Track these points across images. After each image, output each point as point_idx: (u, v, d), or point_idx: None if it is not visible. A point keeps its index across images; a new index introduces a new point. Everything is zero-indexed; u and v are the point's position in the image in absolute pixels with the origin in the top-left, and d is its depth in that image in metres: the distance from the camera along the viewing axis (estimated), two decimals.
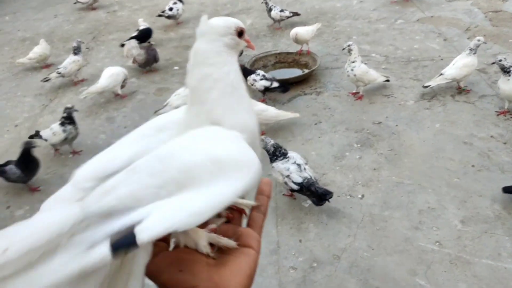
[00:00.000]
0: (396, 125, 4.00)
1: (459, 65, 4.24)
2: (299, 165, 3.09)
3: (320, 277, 2.64)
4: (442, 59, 5.07)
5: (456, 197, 3.12)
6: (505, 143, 3.62)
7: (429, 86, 4.34)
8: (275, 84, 4.38)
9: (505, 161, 3.42)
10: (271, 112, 3.91)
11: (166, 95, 4.86)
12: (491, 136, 3.71)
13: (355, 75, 4.30)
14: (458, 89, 4.39)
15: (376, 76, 4.44)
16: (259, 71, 4.49)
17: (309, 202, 3.20)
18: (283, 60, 5.37)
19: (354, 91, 4.56)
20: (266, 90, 4.42)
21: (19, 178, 3.47)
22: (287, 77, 4.94)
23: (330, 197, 2.98)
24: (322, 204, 3.00)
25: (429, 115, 4.11)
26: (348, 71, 4.34)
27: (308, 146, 3.85)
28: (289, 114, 4.02)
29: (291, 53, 5.37)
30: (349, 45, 4.30)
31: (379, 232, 2.90)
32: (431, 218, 2.97)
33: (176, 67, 5.54)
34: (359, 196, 3.24)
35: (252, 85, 4.39)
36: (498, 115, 3.87)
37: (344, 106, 4.37)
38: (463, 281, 2.51)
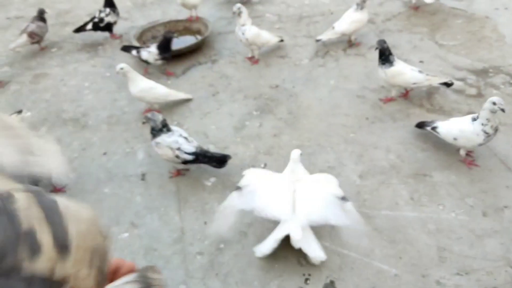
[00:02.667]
0: (293, 87, 3.95)
1: (348, 21, 4.25)
2: (185, 137, 2.95)
3: (228, 257, 2.54)
4: (332, 13, 5.08)
5: (353, 153, 3.17)
6: None
7: (321, 39, 4.33)
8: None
9: (396, 109, 3.53)
10: (160, 90, 3.65)
11: (44, 82, 4.35)
12: (382, 87, 3.80)
13: (247, 39, 4.14)
14: (348, 42, 4.42)
15: (269, 38, 4.31)
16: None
17: (211, 180, 3.06)
18: (173, 28, 5.01)
19: (249, 56, 4.41)
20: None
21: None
22: (179, 46, 4.65)
23: (229, 158, 2.97)
24: (224, 166, 2.95)
25: (323, 72, 4.11)
26: (239, 35, 4.16)
27: (207, 120, 3.66)
28: (181, 94, 3.79)
29: (181, 20, 5.05)
30: (238, 8, 4.10)
31: None
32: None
33: (54, 49, 4.96)
34: (262, 165, 3.16)
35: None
36: (384, 103, 3.64)
37: (241, 72, 4.21)
38: (365, 235, 2.56)
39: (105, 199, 3.00)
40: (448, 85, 3.42)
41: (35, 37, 4.71)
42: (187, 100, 3.87)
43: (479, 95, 3.59)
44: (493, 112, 2.67)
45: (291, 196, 2.37)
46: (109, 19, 4.84)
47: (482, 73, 3.79)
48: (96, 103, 3.99)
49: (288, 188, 2.39)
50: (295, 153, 2.48)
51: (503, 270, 2.29)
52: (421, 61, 4.07)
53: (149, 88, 3.59)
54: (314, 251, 2.34)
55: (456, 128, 2.87)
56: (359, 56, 4.27)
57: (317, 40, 4.34)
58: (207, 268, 2.50)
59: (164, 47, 4.07)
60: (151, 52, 4.09)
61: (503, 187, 2.74)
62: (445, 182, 2.84)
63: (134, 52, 4.21)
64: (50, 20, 5.53)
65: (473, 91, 3.65)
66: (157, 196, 2.99)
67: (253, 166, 3.15)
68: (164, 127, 2.94)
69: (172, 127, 2.99)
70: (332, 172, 3.01)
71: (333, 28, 4.32)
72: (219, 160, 2.93)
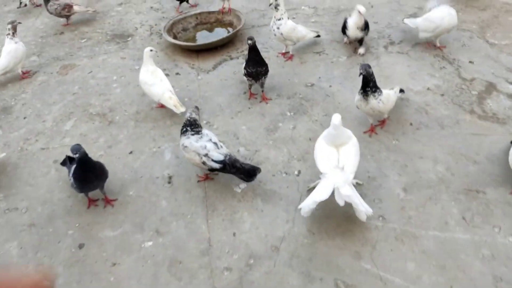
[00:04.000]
0: (330, 86, 3.66)
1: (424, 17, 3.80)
2: (215, 143, 2.72)
3: (258, 275, 2.32)
4: (372, 7, 4.73)
5: (396, 162, 2.88)
6: (442, 95, 3.40)
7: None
8: None
9: (444, 115, 3.21)
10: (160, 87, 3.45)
11: (72, 73, 4.21)
12: (428, 89, 3.48)
13: (281, 34, 3.87)
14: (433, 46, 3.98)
15: (305, 33, 4.03)
16: None
17: (241, 187, 2.84)
18: (204, 20, 4.80)
19: (283, 51, 4.14)
20: None
21: None
22: (211, 40, 4.42)
23: (259, 172, 2.70)
24: (252, 180, 2.70)
25: None
26: (274, 30, 3.89)
27: (237, 119, 3.43)
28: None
29: (213, 12, 4.81)
30: (276, 0, 3.82)
31: (318, 213, 2.61)
32: (372, 189, 2.72)
33: (83, 39, 4.81)
34: (296, 172, 2.91)
35: None
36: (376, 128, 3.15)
37: (274, 69, 3.93)
38: (411, 259, 2.30)
39: (129, 203, 2.82)
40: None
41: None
42: (217, 97, 3.64)
43: None
44: None
45: (336, 156, 2.49)
46: None
47: None
48: (124, 98, 3.81)
49: (333, 150, 2.52)
50: (336, 118, 2.47)
51: None
52: (470, 61, 3.71)
53: (144, 83, 3.49)
54: (363, 205, 2.36)
55: None
56: (401, 55, 3.94)
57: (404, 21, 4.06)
58: (235, 286, 2.29)
59: None
60: None
61: None
62: (501, 200, 2.52)
63: None
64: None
65: None
66: (183, 201, 2.79)
67: (286, 173, 2.91)
68: (193, 127, 2.74)
69: (204, 130, 2.78)
70: (373, 183, 2.75)
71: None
72: (248, 173, 2.67)
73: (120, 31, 4.89)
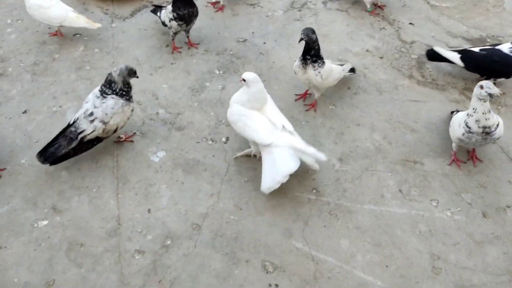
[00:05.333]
0: (264, 43, 3.34)
1: None
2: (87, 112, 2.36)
3: (175, 258, 2.03)
4: None
5: (332, 130, 2.68)
6: (381, 58, 3.22)
7: None
8: None
9: (382, 79, 3.04)
10: (54, 11, 3.02)
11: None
12: (367, 51, 3.28)
13: None
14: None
15: None
16: None
17: (159, 155, 2.49)
18: None
19: (213, 0, 3.72)
20: None
21: None
22: None
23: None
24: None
25: (300, 27, 3.44)
26: None
27: (158, 76, 3.02)
28: (82, 21, 3.07)
29: None
30: None
31: (247, 185, 2.35)
32: None
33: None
34: (223, 139, 2.60)
35: None
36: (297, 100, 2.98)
37: (202, 20, 3.51)
38: (345, 236, 2.12)
39: (21, 173, 2.36)
40: None
41: None
42: (134, 49, 3.18)
43: None
44: (480, 99, 2.14)
45: (267, 119, 2.29)
46: None
47: (479, 42, 3.34)
48: (19, 46, 3.21)
49: (260, 114, 2.31)
50: (250, 74, 2.29)
51: (507, 287, 1.93)
52: (411, 23, 3.56)
53: (38, 7, 2.97)
54: (317, 153, 2.20)
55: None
56: (341, 12, 3.70)
57: None
58: (147, 272, 1.98)
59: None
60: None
61: (505, 182, 2.36)
62: (439, 172, 2.42)
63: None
64: None
65: None
66: (88, 172, 2.38)
67: (212, 140, 2.60)
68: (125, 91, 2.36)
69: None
70: None
71: None
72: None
73: None
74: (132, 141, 2.55)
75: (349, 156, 2.52)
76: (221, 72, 3.07)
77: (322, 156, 2.19)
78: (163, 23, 3.18)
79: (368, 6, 3.61)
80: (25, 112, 2.70)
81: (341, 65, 2.79)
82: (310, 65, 2.54)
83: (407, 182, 2.37)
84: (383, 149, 2.55)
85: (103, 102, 2.32)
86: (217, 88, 2.94)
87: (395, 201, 2.28)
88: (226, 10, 3.67)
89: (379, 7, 3.70)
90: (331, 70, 2.65)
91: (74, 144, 2.31)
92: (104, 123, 2.32)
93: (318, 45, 2.51)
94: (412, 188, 2.34)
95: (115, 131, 2.39)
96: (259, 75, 2.99)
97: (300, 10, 3.70)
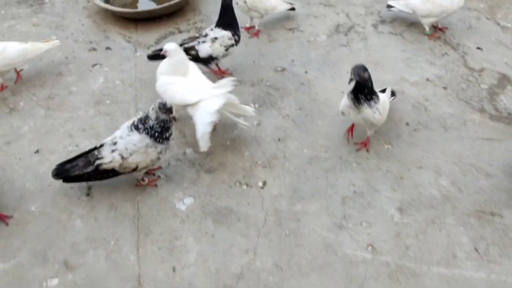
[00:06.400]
0: (306, 72, 3.35)
1: None
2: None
3: None
4: None
5: (389, 173, 2.60)
6: (445, 88, 3.16)
7: (393, 7, 3.68)
8: None
9: (447, 113, 2.97)
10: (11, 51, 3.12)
11: None
12: (427, 80, 3.23)
13: (245, 2, 3.53)
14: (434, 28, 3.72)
15: (275, 3, 3.71)
16: None
17: (187, 202, 2.47)
18: None
19: (247, 25, 3.80)
20: None
21: None
22: (152, 6, 4.02)
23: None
24: None
25: (347, 54, 3.51)
26: None
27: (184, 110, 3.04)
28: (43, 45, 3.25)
29: None
30: None
31: (289, 240, 2.29)
32: (358, 208, 2.43)
33: None
34: (260, 184, 2.57)
35: None
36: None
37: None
38: None
39: (30, 222, 2.38)
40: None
41: None
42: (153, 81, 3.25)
43: None
44: None
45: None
46: None
47: None
48: (32, 77, 3.34)
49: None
50: (171, 45, 2.76)
51: None
52: (478, 48, 3.50)
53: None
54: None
55: None
56: (395, 36, 3.68)
57: (388, 6, 3.72)
58: None
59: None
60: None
61: None
62: None
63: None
64: None
65: None
66: (106, 222, 2.38)
67: (247, 185, 2.57)
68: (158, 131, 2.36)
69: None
70: (360, 200, 2.46)
71: None
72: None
73: None
74: (156, 185, 2.55)
75: (411, 205, 2.42)
76: (256, 105, 3.08)
77: (250, 110, 2.69)
78: (206, 60, 3.13)
79: (427, 28, 3.58)
80: (37, 151, 2.77)
81: (382, 91, 2.76)
82: (365, 104, 2.47)
83: (484, 238, 2.25)
84: (452, 197, 2.45)
85: (129, 135, 2.36)
86: (252, 124, 2.93)
87: (471, 263, 2.15)
88: (262, 35, 3.73)
89: (440, 29, 3.67)
90: (384, 102, 2.61)
91: (89, 168, 2.38)
92: (122, 157, 2.35)
93: (371, 81, 2.44)
94: (491, 246, 2.21)
95: (134, 169, 2.40)
96: (300, 109, 3.01)
97: (346, 35, 3.70)
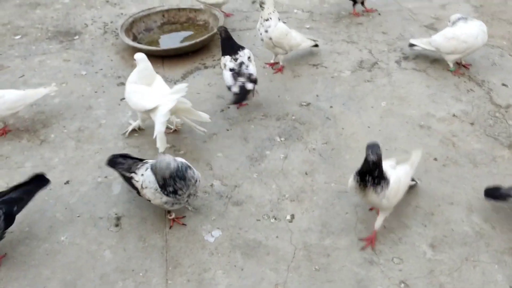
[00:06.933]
0: (331, 106, 3.38)
1: (449, 35, 3.48)
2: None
3: None
4: (380, 14, 4.55)
5: (419, 209, 2.58)
6: (472, 124, 3.15)
7: (415, 46, 3.76)
8: None
9: (476, 149, 2.95)
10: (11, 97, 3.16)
11: (2, 75, 3.80)
12: (454, 115, 3.23)
13: (270, 39, 3.59)
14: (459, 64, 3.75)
15: (299, 40, 3.77)
16: None
17: (215, 234, 2.47)
18: (173, 20, 4.51)
19: (272, 61, 3.86)
20: None
21: None
22: (179, 44, 4.14)
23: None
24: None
25: (371, 89, 3.54)
26: (261, 33, 3.61)
27: (212, 144, 3.08)
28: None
29: (184, 9, 4.52)
30: None
31: (319, 275, 2.26)
32: (390, 244, 2.40)
33: (17, 36, 4.41)
34: (288, 217, 2.56)
35: None
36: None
37: (260, 82, 3.60)
38: None
39: (60, 252, 2.40)
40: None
41: None
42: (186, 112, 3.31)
43: None
44: None
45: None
46: None
47: None
48: (63, 110, 3.41)
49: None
50: (139, 54, 3.03)
51: None
52: (504, 84, 3.51)
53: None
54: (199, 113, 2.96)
55: None
56: (418, 72, 3.72)
57: (411, 45, 3.80)
58: None
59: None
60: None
61: None
62: None
63: None
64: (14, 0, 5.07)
65: None
66: (135, 253, 2.39)
67: (275, 218, 2.56)
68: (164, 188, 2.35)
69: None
70: (391, 236, 2.43)
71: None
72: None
73: (66, 27, 4.53)
74: (183, 224, 2.53)
75: (443, 242, 2.39)
76: (282, 139, 3.10)
77: (205, 116, 2.92)
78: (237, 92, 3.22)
79: (451, 65, 3.61)
80: (67, 182, 2.80)
81: (396, 164, 2.44)
82: (371, 188, 2.20)
83: None
84: (486, 234, 2.41)
85: (146, 170, 2.41)
86: (278, 157, 2.95)
87: None
88: (286, 71, 3.78)
89: (464, 66, 3.69)
90: (398, 182, 2.29)
91: (127, 174, 2.51)
92: (141, 186, 2.42)
93: (381, 162, 2.19)
94: None
95: (149, 201, 2.45)
96: (326, 143, 3.02)
97: (370, 71, 3.75)
